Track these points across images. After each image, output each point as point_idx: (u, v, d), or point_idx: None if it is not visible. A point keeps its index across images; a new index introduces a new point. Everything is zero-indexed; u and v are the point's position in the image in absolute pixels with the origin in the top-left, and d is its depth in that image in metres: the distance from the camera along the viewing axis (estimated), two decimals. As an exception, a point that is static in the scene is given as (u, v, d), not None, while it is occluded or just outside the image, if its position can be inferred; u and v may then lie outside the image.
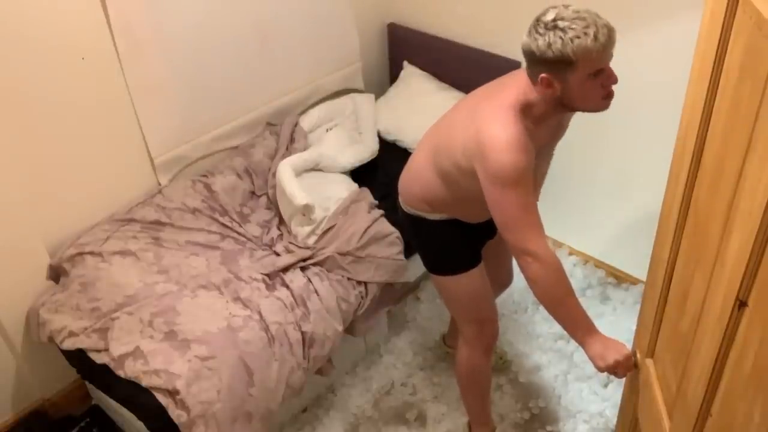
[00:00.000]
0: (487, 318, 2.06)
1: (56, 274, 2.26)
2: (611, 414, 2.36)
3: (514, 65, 2.75)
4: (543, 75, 1.50)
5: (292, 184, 2.39)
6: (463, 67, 2.94)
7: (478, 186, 1.66)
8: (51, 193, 2.25)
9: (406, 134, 2.98)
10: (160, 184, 2.54)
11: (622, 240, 2.82)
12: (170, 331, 1.96)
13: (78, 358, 2.06)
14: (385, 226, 2.36)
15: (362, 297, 2.26)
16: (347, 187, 2.56)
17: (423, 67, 3.10)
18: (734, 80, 0.87)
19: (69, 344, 2.03)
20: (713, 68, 0.92)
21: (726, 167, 0.87)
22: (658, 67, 2.34)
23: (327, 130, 2.83)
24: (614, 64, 2.40)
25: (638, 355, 1.25)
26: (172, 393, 1.84)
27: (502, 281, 2.40)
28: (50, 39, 2.08)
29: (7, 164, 2.06)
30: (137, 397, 1.91)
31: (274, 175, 2.55)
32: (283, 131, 2.77)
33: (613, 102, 2.49)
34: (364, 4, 3.05)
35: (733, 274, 0.83)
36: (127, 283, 2.12)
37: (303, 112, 2.92)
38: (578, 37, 1.42)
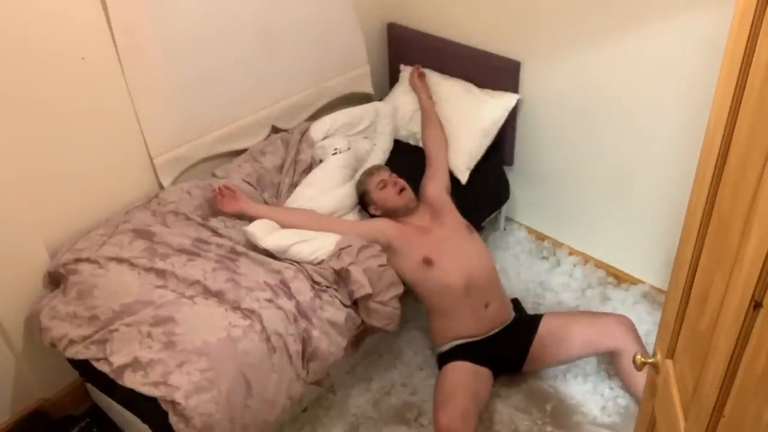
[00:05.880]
0: (446, 412, 2.13)
1: (54, 278, 2.23)
2: (612, 408, 2.37)
3: (513, 65, 2.76)
4: None
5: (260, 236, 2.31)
6: (462, 67, 2.94)
7: (403, 258, 2.36)
8: (51, 194, 2.23)
9: (404, 134, 3.00)
10: (162, 186, 2.53)
11: (622, 240, 2.83)
12: (169, 341, 1.92)
13: (80, 362, 2.04)
14: (389, 274, 2.32)
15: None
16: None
17: (423, 67, 3.10)
18: (760, 80, 0.86)
19: (70, 354, 2.01)
20: (740, 68, 0.92)
21: (748, 167, 0.87)
22: (657, 68, 2.35)
23: (333, 153, 2.68)
24: (614, 64, 2.42)
25: (659, 356, 1.25)
26: (172, 404, 1.82)
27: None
28: (50, 39, 2.07)
29: (7, 165, 2.05)
30: (140, 401, 1.89)
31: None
32: (292, 140, 2.75)
33: (614, 102, 2.52)
34: (364, 5, 3.05)
35: (749, 275, 0.83)
36: (123, 291, 2.07)
37: (314, 117, 2.89)
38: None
